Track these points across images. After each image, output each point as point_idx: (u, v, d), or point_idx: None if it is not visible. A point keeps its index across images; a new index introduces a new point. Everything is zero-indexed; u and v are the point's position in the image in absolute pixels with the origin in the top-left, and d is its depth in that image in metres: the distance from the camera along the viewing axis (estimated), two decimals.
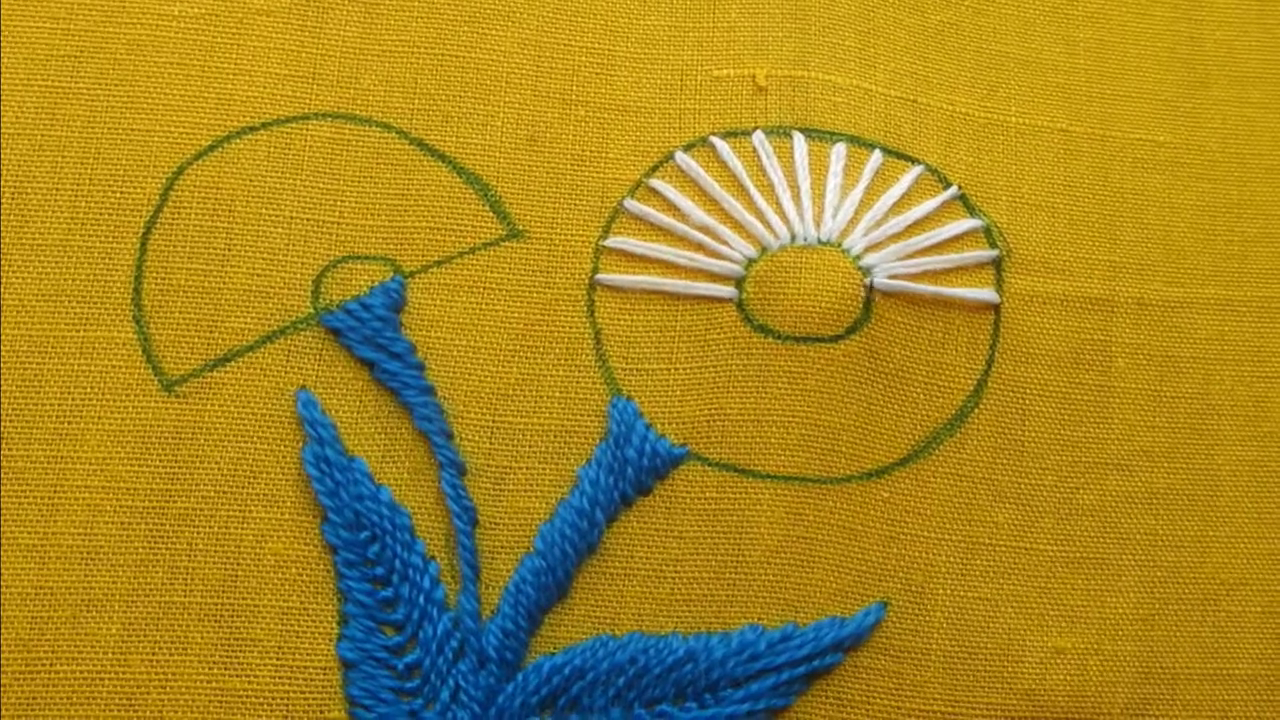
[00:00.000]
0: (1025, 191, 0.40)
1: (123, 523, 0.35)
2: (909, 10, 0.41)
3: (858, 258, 0.38)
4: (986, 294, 0.39)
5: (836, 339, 0.38)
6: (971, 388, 0.38)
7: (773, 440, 0.37)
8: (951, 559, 0.37)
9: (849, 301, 0.38)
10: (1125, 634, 0.38)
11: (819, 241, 0.38)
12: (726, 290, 0.38)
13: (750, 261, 0.38)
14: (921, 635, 0.37)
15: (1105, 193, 0.41)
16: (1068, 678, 0.37)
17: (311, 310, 0.37)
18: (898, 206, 0.39)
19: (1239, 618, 0.38)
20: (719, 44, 0.40)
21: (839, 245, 0.38)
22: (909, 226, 0.39)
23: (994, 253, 0.39)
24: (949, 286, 0.39)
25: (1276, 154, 0.42)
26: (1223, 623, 0.38)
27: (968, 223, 0.39)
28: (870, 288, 0.38)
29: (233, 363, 0.36)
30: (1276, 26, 0.44)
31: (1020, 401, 0.39)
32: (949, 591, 0.37)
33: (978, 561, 0.38)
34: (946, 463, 0.38)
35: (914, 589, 0.37)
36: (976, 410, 0.38)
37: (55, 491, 0.35)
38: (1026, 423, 0.39)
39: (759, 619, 0.36)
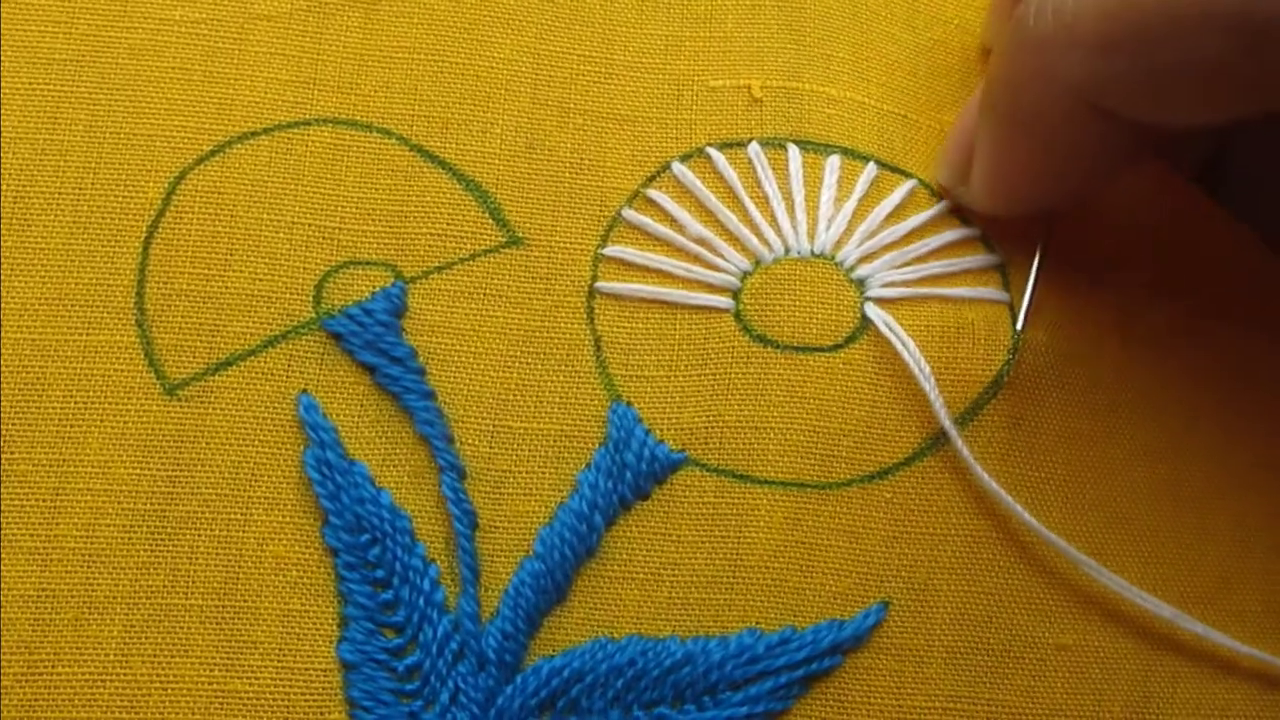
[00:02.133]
0: None
1: (125, 526, 0.35)
2: (902, 25, 0.41)
3: (851, 270, 0.38)
4: (993, 293, 0.38)
5: (836, 348, 0.37)
6: (990, 378, 0.38)
7: (771, 446, 0.37)
8: (957, 554, 0.37)
9: (845, 313, 0.38)
10: (1127, 631, 0.37)
11: (812, 254, 0.38)
12: (723, 301, 0.38)
13: (745, 274, 0.38)
14: (924, 633, 0.36)
15: None
16: (1069, 675, 0.37)
17: (313, 315, 0.37)
18: (892, 217, 0.39)
19: (1239, 614, 0.38)
20: (715, 54, 0.40)
21: (832, 258, 0.38)
22: (905, 235, 0.39)
23: (996, 258, 0.39)
24: (953, 287, 0.38)
25: None
26: (1223, 619, 0.38)
27: (965, 230, 0.39)
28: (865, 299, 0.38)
29: (234, 367, 0.36)
30: None
31: (1037, 392, 0.38)
32: (953, 588, 0.37)
33: (984, 555, 0.37)
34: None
35: (917, 587, 0.36)
36: (993, 401, 0.38)
37: (58, 494, 0.35)
38: (1042, 413, 0.38)
39: (757, 622, 0.36)
